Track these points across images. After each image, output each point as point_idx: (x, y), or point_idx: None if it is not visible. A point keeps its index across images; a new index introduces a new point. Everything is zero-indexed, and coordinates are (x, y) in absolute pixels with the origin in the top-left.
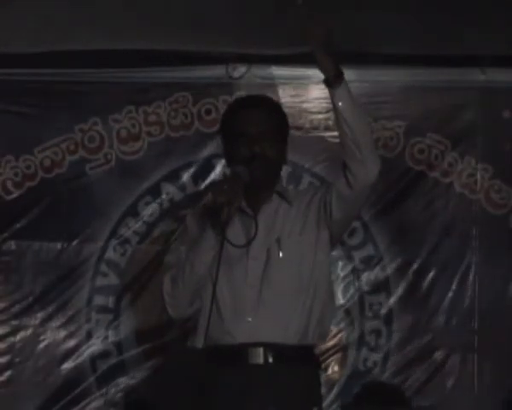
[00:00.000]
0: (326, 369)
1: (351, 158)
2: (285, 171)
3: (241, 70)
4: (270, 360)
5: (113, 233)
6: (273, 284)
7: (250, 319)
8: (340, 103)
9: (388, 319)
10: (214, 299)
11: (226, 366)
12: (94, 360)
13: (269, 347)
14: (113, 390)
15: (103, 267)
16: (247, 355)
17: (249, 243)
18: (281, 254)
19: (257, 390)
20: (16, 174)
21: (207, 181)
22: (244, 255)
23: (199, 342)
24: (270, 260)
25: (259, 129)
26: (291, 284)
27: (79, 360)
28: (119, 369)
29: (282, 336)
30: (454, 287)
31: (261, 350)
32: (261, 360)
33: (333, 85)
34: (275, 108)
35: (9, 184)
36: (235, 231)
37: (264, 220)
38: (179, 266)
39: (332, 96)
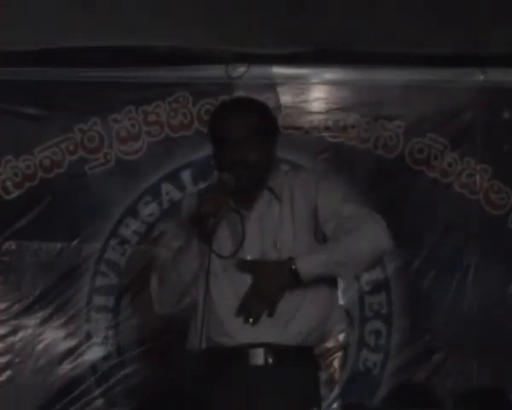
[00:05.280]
0: (326, 369)
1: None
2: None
3: (240, 70)
4: (271, 360)
5: (113, 233)
6: None
7: (250, 320)
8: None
9: (388, 319)
10: (212, 300)
11: (226, 368)
12: (94, 360)
13: (269, 348)
14: (112, 390)
15: (103, 267)
16: (247, 356)
17: (235, 253)
18: (278, 256)
19: (257, 391)
20: (16, 174)
21: (207, 181)
22: (242, 256)
23: (198, 344)
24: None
25: (240, 134)
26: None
27: (79, 360)
28: (119, 369)
29: (283, 337)
30: (454, 287)
31: (261, 351)
32: (261, 361)
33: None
34: (257, 111)
35: (9, 184)
36: (225, 233)
37: (257, 220)
38: (165, 268)
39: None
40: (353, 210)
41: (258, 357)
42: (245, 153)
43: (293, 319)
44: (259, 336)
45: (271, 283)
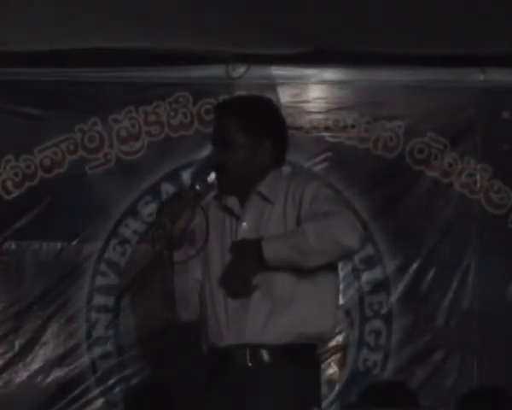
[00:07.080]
0: (326, 369)
1: None
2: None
3: (240, 70)
4: (269, 360)
5: (113, 233)
6: (264, 286)
7: (244, 321)
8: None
9: (388, 319)
10: (212, 302)
11: (223, 368)
12: (94, 360)
13: (265, 348)
14: (112, 390)
15: (103, 267)
16: (244, 357)
17: (192, 257)
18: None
19: (256, 391)
20: (16, 174)
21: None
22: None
23: (204, 345)
24: None
25: (225, 136)
26: (281, 286)
27: (79, 359)
28: (119, 369)
29: (278, 337)
30: (454, 287)
31: (257, 351)
32: (259, 361)
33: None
34: (247, 112)
35: (9, 184)
36: (223, 230)
37: (250, 223)
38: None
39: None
40: (329, 208)
41: (254, 357)
42: (228, 156)
43: (287, 319)
44: (254, 337)
45: (239, 259)
